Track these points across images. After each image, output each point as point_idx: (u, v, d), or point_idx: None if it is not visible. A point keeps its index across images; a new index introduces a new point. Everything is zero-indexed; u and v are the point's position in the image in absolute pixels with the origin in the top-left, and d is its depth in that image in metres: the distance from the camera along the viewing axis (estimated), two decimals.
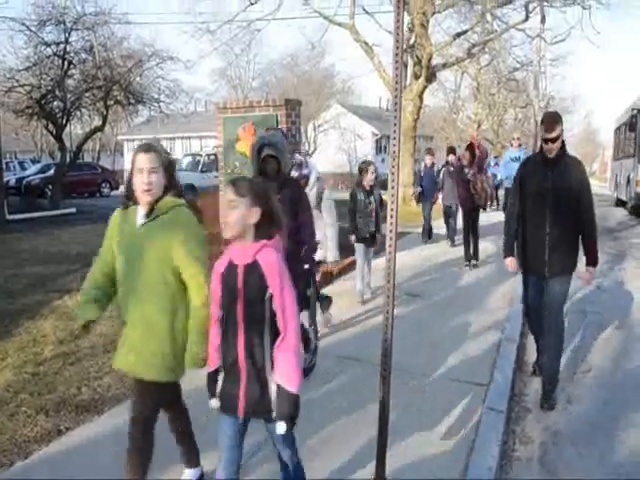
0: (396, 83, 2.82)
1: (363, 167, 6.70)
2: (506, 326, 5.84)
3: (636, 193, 16.34)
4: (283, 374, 2.32)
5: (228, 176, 8.02)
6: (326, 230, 7.24)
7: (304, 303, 4.12)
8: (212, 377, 2.53)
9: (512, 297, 7.00)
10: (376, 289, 7.00)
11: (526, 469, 3.45)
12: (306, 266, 4.06)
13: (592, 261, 4.33)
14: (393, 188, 2.85)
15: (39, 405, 3.92)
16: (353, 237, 6.68)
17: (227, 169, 8.03)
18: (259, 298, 2.32)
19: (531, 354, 5.36)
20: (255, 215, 2.35)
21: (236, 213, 2.33)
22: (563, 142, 4.25)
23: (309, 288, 4.38)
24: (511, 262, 4.66)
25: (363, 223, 6.61)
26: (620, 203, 19.96)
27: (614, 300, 7.30)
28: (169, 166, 2.79)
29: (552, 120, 4.18)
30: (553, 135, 4.10)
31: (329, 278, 7.67)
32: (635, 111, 16.74)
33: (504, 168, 12.64)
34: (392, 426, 3.62)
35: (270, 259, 2.33)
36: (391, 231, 2.86)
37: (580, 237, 4.32)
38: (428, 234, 11.39)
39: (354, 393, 4.18)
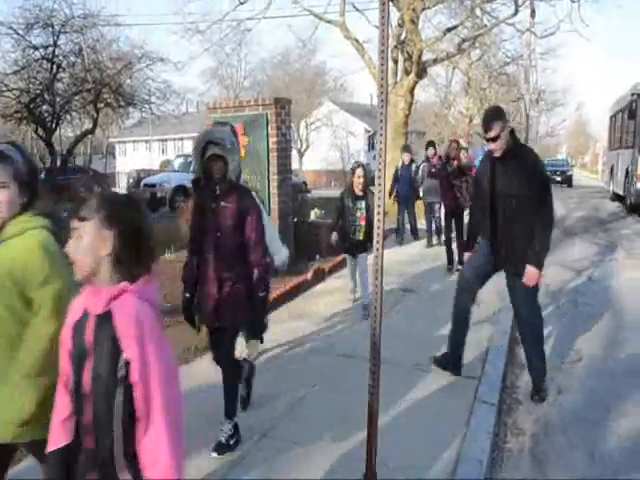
0: (382, 79, 2.82)
1: (353, 168, 6.29)
2: (498, 319, 5.86)
3: (636, 190, 14.67)
4: (149, 466, 1.65)
5: None
6: None
7: (258, 335, 3.62)
8: (53, 462, 1.82)
9: (504, 290, 7.01)
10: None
11: (517, 460, 3.47)
12: (262, 293, 3.42)
13: (535, 260, 4.00)
14: (380, 185, 2.85)
15: None
16: (333, 235, 6.32)
17: None
18: (110, 365, 1.66)
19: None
20: (107, 242, 1.69)
21: (82, 244, 1.69)
22: (513, 134, 4.09)
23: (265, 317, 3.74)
24: (467, 258, 4.67)
25: (348, 231, 6.20)
26: (617, 198, 18.42)
27: (604, 290, 7.34)
28: (28, 178, 2.17)
29: (488, 119, 4.05)
30: (491, 135, 3.97)
31: (321, 275, 7.69)
32: (635, 96, 14.99)
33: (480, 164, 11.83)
34: (383, 420, 3.64)
35: (128, 311, 1.66)
36: (379, 227, 2.86)
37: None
38: (414, 234, 11.05)
39: (346, 389, 4.19)
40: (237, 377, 3.72)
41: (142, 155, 47.76)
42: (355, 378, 4.23)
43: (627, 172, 15.65)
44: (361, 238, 6.14)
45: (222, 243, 3.37)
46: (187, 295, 3.59)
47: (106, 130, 38.13)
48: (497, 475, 3.31)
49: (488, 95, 31.74)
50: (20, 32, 17.33)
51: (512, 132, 4.09)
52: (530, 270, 4.00)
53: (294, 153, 39.37)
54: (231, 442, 3.45)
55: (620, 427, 3.84)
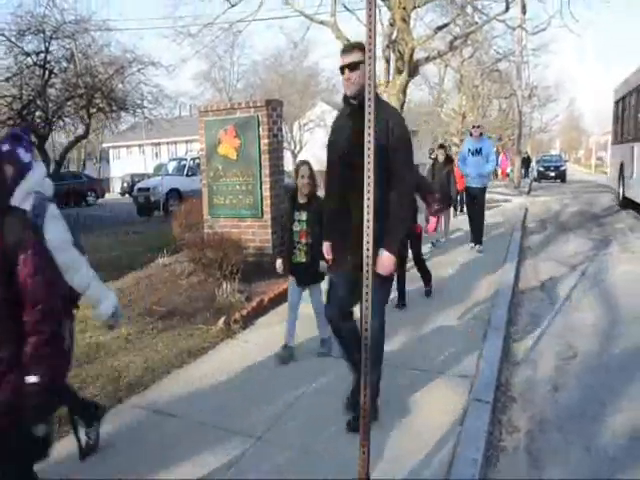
0: (369, 79, 2.81)
1: (297, 166, 4.93)
2: (492, 315, 5.85)
3: None
4: None
5: (211, 179, 8.03)
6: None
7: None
8: None
9: (497, 286, 7.03)
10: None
11: (513, 458, 3.46)
12: (33, 379, 2.02)
13: (390, 242, 3.33)
14: (369, 185, 2.83)
15: None
16: (278, 262, 4.89)
17: (210, 172, 8.01)
18: None
19: (518, 344, 5.40)
20: None
21: None
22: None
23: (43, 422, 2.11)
24: (326, 249, 3.81)
25: (288, 250, 4.81)
26: (629, 204, 14.42)
27: (599, 285, 7.34)
28: None
29: (349, 46, 3.52)
30: (349, 59, 3.35)
31: None
32: None
33: (462, 163, 9.96)
34: (377, 420, 3.63)
35: None
36: (368, 227, 2.83)
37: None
38: None
39: (338, 391, 4.16)
40: None
41: (136, 159, 47.76)
42: (347, 380, 4.23)
43: None
44: (303, 260, 4.74)
45: None
46: None
47: (100, 135, 38.07)
48: (492, 474, 3.30)
49: (480, 92, 31.81)
50: (12, 39, 17.28)
51: None
52: (384, 256, 3.31)
53: (288, 154, 39.39)
54: None
55: (615, 422, 3.83)
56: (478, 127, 10.05)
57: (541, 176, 33.16)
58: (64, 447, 3.44)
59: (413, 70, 17.72)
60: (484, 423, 3.67)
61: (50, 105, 18.05)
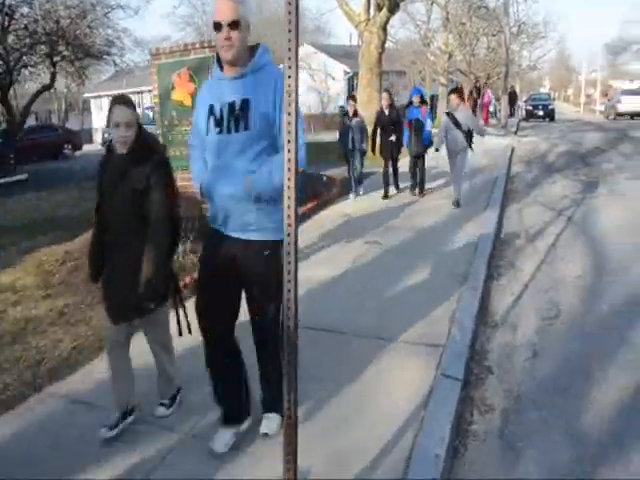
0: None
1: None
2: (469, 272, 5.34)
3: None
4: None
5: (165, 128, 7.36)
6: None
7: None
8: None
9: (477, 235, 6.50)
10: None
11: (483, 447, 2.97)
12: None
13: None
14: (290, 124, 2.24)
15: None
16: None
17: (164, 121, 7.31)
18: None
19: (497, 302, 4.91)
20: None
21: None
22: None
23: None
24: None
25: None
26: None
27: (586, 232, 6.84)
28: None
29: None
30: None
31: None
32: None
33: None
34: (322, 402, 3.17)
35: None
36: (290, 179, 2.26)
37: None
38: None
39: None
40: None
41: None
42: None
43: None
44: None
45: None
46: None
47: (79, 86, 36.66)
48: (458, 466, 2.83)
49: (468, 30, 30.60)
50: None
51: None
52: None
53: None
54: None
55: (601, 397, 3.36)
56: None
57: (529, 115, 32.46)
58: None
59: (394, 6, 16.86)
60: (452, 406, 3.16)
61: (10, 53, 17.00)
